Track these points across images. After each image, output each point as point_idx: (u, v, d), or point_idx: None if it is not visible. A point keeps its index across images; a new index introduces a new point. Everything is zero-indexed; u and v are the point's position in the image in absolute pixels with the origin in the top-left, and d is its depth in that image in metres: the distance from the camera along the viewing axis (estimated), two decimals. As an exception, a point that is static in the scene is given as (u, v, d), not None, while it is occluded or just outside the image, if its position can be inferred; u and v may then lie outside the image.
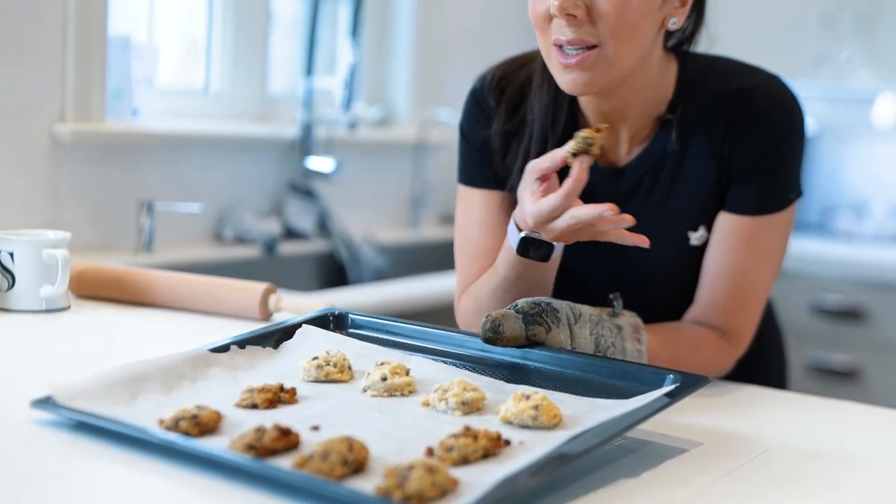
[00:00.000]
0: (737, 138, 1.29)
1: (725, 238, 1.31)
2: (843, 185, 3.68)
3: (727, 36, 3.61)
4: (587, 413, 1.00)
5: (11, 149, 2.17)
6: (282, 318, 1.54)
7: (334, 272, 2.85)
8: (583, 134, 1.17)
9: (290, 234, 2.76)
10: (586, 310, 1.20)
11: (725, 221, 1.31)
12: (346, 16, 2.92)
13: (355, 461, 0.86)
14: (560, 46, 1.21)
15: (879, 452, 1.09)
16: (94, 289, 1.63)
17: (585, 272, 1.39)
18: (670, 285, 1.37)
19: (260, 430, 0.91)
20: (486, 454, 0.90)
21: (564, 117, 1.32)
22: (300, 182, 2.80)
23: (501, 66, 1.41)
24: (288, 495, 0.84)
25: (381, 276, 2.87)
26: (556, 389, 1.08)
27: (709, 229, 1.33)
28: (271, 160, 2.77)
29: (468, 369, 1.14)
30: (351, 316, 1.28)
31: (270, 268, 2.63)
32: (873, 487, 0.98)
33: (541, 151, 1.32)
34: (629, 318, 1.24)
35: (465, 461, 0.88)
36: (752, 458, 1.02)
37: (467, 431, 0.91)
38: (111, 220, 2.37)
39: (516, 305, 1.15)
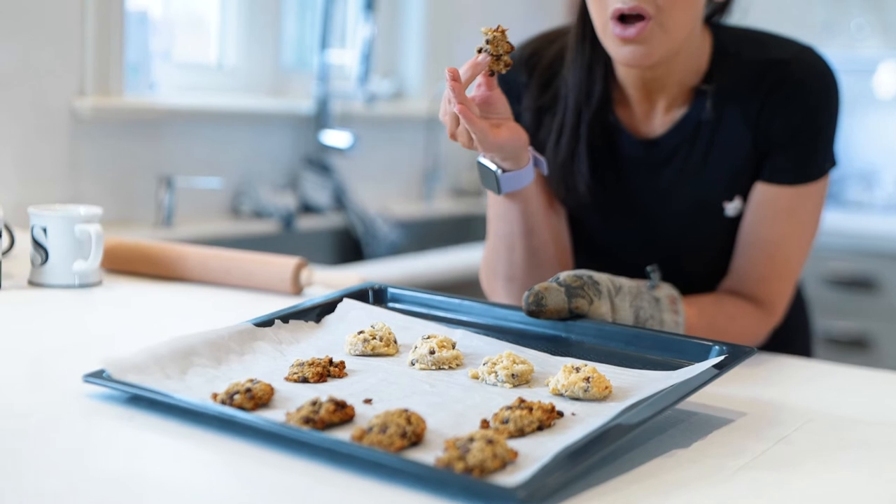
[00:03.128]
0: (774, 108, 1.29)
1: (762, 208, 1.32)
2: (853, 155, 3.69)
3: (735, 7, 3.61)
4: (637, 385, 1.01)
5: (31, 123, 2.17)
6: (314, 292, 1.54)
7: (350, 246, 2.85)
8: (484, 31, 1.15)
9: (306, 208, 2.77)
10: (625, 282, 1.21)
11: (762, 191, 1.32)
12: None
13: (413, 433, 0.87)
14: (619, 19, 1.21)
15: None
16: (124, 263, 1.64)
17: (622, 244, 1.40)
18: (706, 255, 1.38)
19: (316, 404, 0.91)
20: (541, 426, 0.91)
21: (599, 89, 1.33)
22: (315, 156, 2.81)
23: (530, 43, 1.41)
24: (349, 467, 0.84)
25: (396, 250, 2.88)
26: (601, 362, 1.09)
27: (744, 200, 1.34)
28: (287, 135, 2.77)
29: (512, 342, 1.15)
30: (390, 290, 1.28)
31: (288, 242, 2.64)
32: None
33: (575, 125, 1.32)
34: (666, 290, 1.25)
35: (521, 433, 0.89)
36: (799, 427, 1.03)
37: (522, 403, 0.92)
38: (131, 194, 2.38)
39: (558, 278, 1.16)
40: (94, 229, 1.50)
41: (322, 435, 0.86)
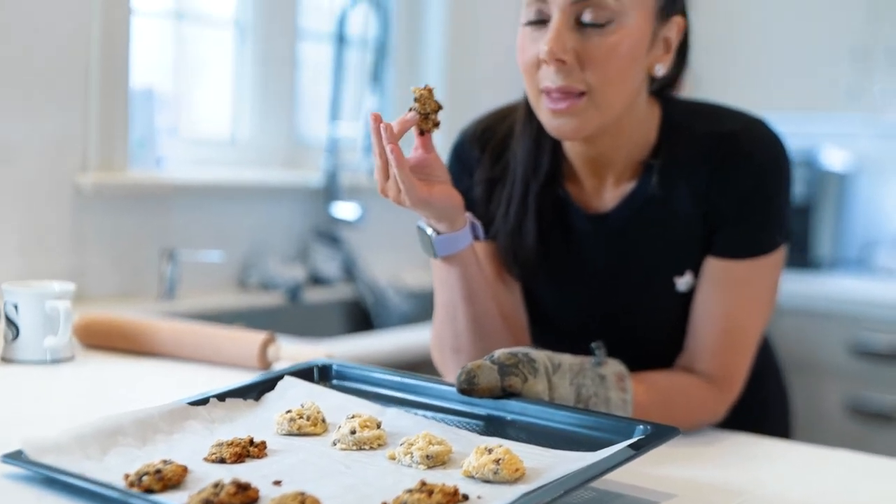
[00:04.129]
0: (722, 181, 1.28)
1: (712, 282, 1.30)
2: (883, 220, 3.63)
3: (758, 70, 3.57)
4: (552, 466, 0.99)
5: (35, 197, 2.22)
6: (281, 367, 1.55)
7: (360, 318, 2.86)
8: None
9: (316, 280, 2.78)
10: (566, 359, 1.19)
11: (712, 266, 1.31)
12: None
13: (307, 516, 0.86)
14: (548, 92, 1.22)
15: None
16: (101, 339, 1.66)
17: (574, 317, 1.39)
18: (660, 331, 1.37)
19: (218, 486, 0.91)
20: (441, 509, 0.90)
21: (547, 162, 1.33)
22: (325, 228, 2.83)
23: (483, 119, 1.42)
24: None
25: (407, 320, 2.88)
26: (530, 441, 1.07)
27: (696, 274, 1.32)
28: (297, 207, 2.80)
29: (446, 422, 1.14)
30: (335, 367, 1.28)
31: (295, 314, 2.65)
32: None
33: (523, 197, 1.33)
34: (613, 367, 1.23)
35: (418, 516, 0.88)
36: (723, 512, 1.00)
37: (423, 486, 0.91)
38: (134, 267, 2.41)
39: (492, 356, 1.15)
40: (63, 306, 1.52)
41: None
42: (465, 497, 0.92)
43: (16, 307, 1.53)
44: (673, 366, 1.34)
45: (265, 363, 1.54)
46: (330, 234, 2.83)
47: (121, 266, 2.38)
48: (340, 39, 2.83)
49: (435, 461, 1.01)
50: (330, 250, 2.81)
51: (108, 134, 2.31)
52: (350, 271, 2.85)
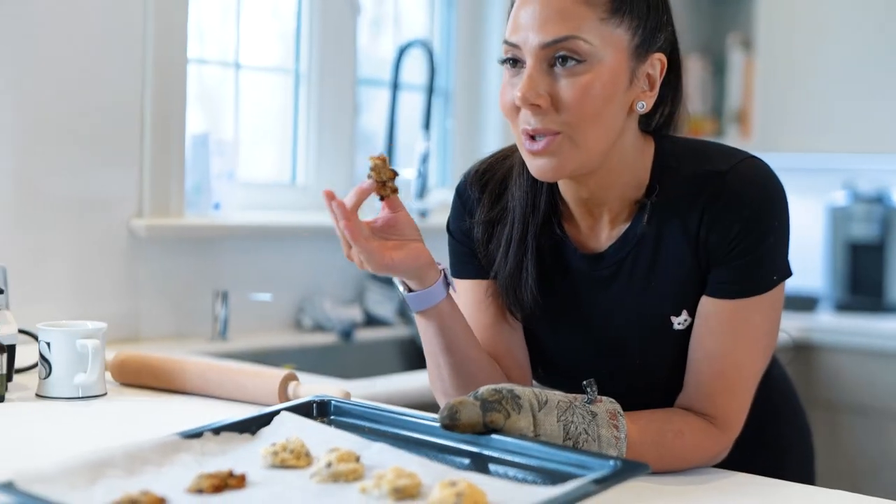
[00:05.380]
0: (712, 221, 1.28)
1: (707, 322, 1.30)
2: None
3: (827, 111, 3.50)
4: (515, 499, 1.00)
5: (90, 242, 2.30)
6: (300, 404, 1.58)
7: (415, 356, 2.88)
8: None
9: (371, 321, 2.82)
10: (554, 396, 1.20)
11: (707, 305, 1.30)
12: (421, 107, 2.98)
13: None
14: (527, 134, 1.24)
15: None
16: (133, 377, 1.71)
17: (574, 356, 1.40)
18: (658, 371, 1.36)
19: (185, 515, 0.94)
20: (397, 541, 0.91)
21: (544, 202, 1.35)
22: (381, 269, 2.87)
23: (485, 160, 1.45)
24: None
25: (463, 360, 2.89)
26: (511, 477, 1.08)
27: (692, 313, 1.32)
28: (352, 248, 2.85)
29: (429, 457, 1.15)
30: (334, 403, 1.31)
31: (349, 354, 2.69)
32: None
33: (522, 237, 1.34)
34: (606, 405, 1.23)
35: (372, 548, 0.90)
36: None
37: (379, 518, 0.93)
38: (188, 309, 2.48)
39: (477, 392, 1.17)
40: (93, 343, 1.58)
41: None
42: (424, 529, 0.94)
43: (48, 345, 1.59)
44: (672, 405, 1.34)
45: (285, 400, 1.57)
46: (385, 275, 2.86)
47: (175, 308, 2.46)
48: (395, 85, 2.88)
49: (403, 494, 1.03)
50: (385, 291, 2.85)
51: (163, 180, 2.40)
52: (405, 313, 2.88)
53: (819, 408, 3.11)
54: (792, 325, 3.20)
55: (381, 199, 1.26)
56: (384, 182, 1.23)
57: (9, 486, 1.05)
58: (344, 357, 2.66)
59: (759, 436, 1.41)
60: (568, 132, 1.22)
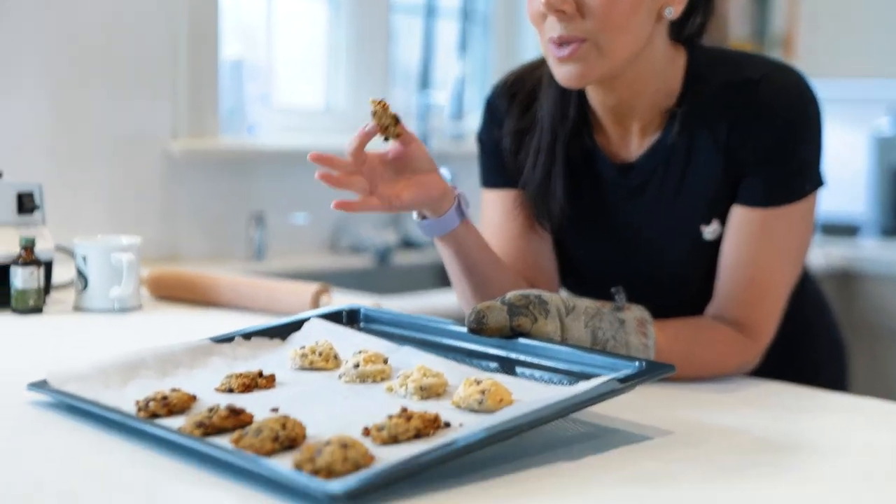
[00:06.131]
0: (743, 130, 1.26)
1: (738, 231, 1.29)
2: None
3: (873, 36, 3.42)
4: (539, 398, 1.00)
5: (127, 167, 2.32)
6: (332, 317, 1.59)
7: (447, 281, 2.89)
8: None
9: (407, 244, 2.83)
10: (582, 302, 1.20)
11: (737, 214, 1.29)
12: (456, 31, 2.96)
13: (287, 438, 0.90)
14: (553, 42, 1.23)
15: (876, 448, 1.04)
16: (168, 291, 1.74)
17: (604, 268, 1.39)
18: (688, 281, 1.36)
19: (213, 410, 0.96)
20: (419, 434, 0.92)
21: (573, 112, 1.33)
22: (417, 193, 2.87)
23: (514, 71, 1.43)
24: (223, 471, 0.88)
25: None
26: (537, 378, 1.09)
27: (723, 223, 1.31)
28: (388, 173, 2.85)
29: (456, 360, 1.16)
30: (363, 311, 1.32)
31: (385, 277, 2.70)
32: (844, 479, 0.94)
33: (551, 147, 1.33)
34: (635, 312, 1.23)
35: (394, 440, 0.91)
36: (716, 447, 1.00)
37: (403, 413, 0.93)
38: (224, 232, 2.50)
39: (504, 297, 1.17)
40: (127, 258, 1.60)
41: (186, 437, 0.91)
42: (447, 424, 0.95)
43: (85, 259, 1.61)
44: (703, 314, 1.33)
45: (317, 313, 1.59)
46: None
47: (211, 231, 2.48)
48: (429, 11, 2.86)
49: (429, 392, 1.03)
50: (421, 215, 2.85)
51: (197, 104, 2.41)
52: (441, 236, 2.89)
53: (861, 335, 3.09)
54: (835, 253, 3.18)
55: (385, 139, 1.24)
56: (386, 126, 1.23)
57: (42, 385, 1.07)
58: (380, 279, 2.67)
59: (791, 348, 1.40)
60: (594, 39, 1.20)
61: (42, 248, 1.63)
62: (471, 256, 1.30)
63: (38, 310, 1.58)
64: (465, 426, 0.94)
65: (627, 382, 0.99)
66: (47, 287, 1.65)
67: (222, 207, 2.49)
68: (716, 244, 1.32)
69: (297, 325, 1.27)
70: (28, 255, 1.57)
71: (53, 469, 0.90)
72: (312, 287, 1.61)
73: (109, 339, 1.47)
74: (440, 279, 2.86)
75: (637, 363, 1.04)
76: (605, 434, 1.02)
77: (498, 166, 1.41)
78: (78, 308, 1.63)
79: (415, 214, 1.28)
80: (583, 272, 1.43)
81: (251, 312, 1.64)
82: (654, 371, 1.02)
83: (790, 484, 0.92)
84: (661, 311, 1.28)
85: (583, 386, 0.97)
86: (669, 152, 1.31)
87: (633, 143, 1.34)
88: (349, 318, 1.32)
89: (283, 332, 1.25)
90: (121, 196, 2.32)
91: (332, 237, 2.73)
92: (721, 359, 1.28)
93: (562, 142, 1.33)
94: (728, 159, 1.28)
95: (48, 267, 1.64)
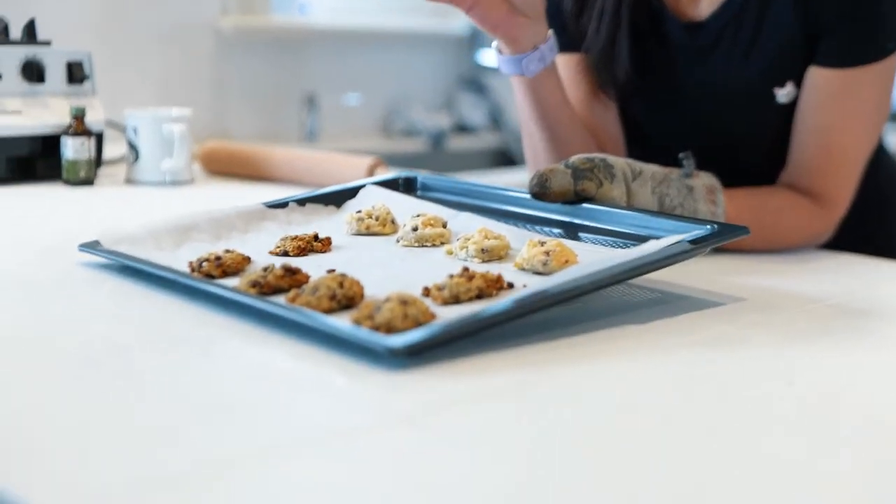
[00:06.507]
0: None
1: (814, 94, 1.22)
2: None
3: None
4: (606, 259, 0.96)
5: (177, 44, 2.28)
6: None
7: (506, 164, 2.84)
8: None
9: (461, 128, 2.77)
10: (650, 168, 1.15)
11: (814, 76, 1.22)
12: None
13: (344, 296, 0.87)
14: None
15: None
16: (222, 165, 1.71)
17: (671, 135, 1.33)
18: (759, 149, 1.29)
19: (268, 269, 0.93)
20: (481, 295, 0.88)
21: None
22: (471, 76, 2.80)
23: None
24: (279, 328, 0.85)
25: (554, 170, 2.84)
26: (602, 242, 1.05)
27: (798, 86, 1.24)
28: (442, 54, 2.78)
29: (517, 225, 1.12)
30: (420, 179, 1.28)
31: (438, 161, 2.66)
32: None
33: (616, 9, 1.27)
34: (704, 179, 1.18)
35: (455, 300, 0.87)
36: (791, 314, 0.95)
37: (464, 272, 0.90)
38: (275, 112, 2.46)
39: (568, 161, 1.12)
40: (179, 129, 1.57)
41: (242, 294, 0.88)
42: (511, 285, 0.91)
43: (135, 131, 1.58)
44: (776, 183, 1.27)
45: (372, 186, 1.55)
46: (476, 81, 2.80)
47: (262, 110, 2.44)
48: None
49: (490, 255, 0.99)
50: (476, 98, 2.79)
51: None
52: (496, 119, 2.83)
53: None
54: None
55: None
56: None
57: (94, 245, 1.05)
58: (433, 163, 2.62)
59: (865, 221, 1.34)
60: None
61: (93, 119, 1.60)
62: (544, 104, 1.24)
63: (89, 182, 1.56)
64: (528, 287, 0.91)
65: (700, 243, 0.94)
66: (98, 160, 1.62)
67: (274, 88, 2.45)
68: (790, 108, 1.25)
69: (352, 193, 1.23)
70: (79, 126, 1.54)
71: (105, 326, 0.87)
72: (367, 160, 1.57)
73: (160, 210, 1.44)
74: (494, 163, 2.81)
75: (708, 226, 0.99)
76: (673, 300, 0.98)
77: (559, 29, 1.34)
78: (129, 181, 1.60)
79: (494, 50, 1.23)
80: (649, 141, 1.37)
81: (305, 186, 1.60)
82: (727, 233, 0.97)
83: (868, 350, 0.87)
84: (731, 180, 1.22)
85: (652, 246, 0.92)
86: (741, 8, 1.24)
87: (703, 1, 1.27)
88: (406, 185, 1.27)
89: (338, 198, 1.22)
90: (170, 74, 2.28)
91: (385, 120, 2.68)
92: (792, 229, 1.22)
93: (626, 3, 1.27)
94: (805, 15, 1.21)
95: (99, 139, 1.62)
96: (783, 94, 1.25)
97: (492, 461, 0.61)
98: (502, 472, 0.59)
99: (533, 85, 1.23)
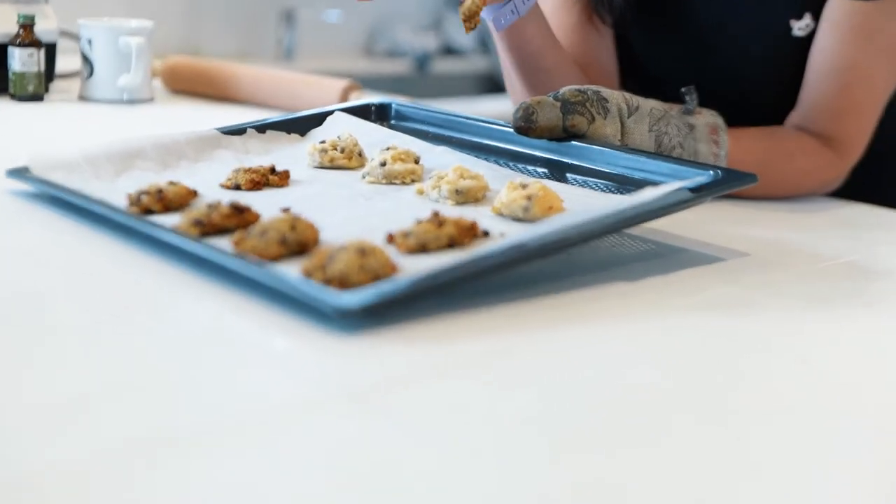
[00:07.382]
0: None
1: (835, 28, 1.10)
2: None
3: None
4: (594, 207, 0.85)
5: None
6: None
7: (494, 89, 2.72)
8: None
9: (448, 50, 2.64)
10: (647, 103, 1.03)
11: (834, 8, 1.10)
12: None
13: (296, 241, 0.76)
14: None
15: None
16: (184, 83, 1.58)
17: (666, 71, 1.21)
18: (770, 86, 1.18)
19: (212, 206, 0.82)
20: (452, 243, 0.78)
21: None
22: (460, -5, 2.67)
23: None
24: (222, 277, 0.74)
25: (544, 97, 2.72)
26: (592, 186, 0.94)
27: (816, 18, 1.12)
28: (430, -29, 2.64)
29: (499, 164, 1.01)
30: (395, 106, 1.16)
31: (423, 83, 2.53)
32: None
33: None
34: (707, 117, 1.06)
35: (423, 249, 0.77)
36: (799, 272, 0.85)
37: (434, 217, 0.79)
38: (251, 29, 2.33)
39: (558, 92, 1.00)
40: (137, 42, 1.44)
41: (180, 237, 0.77)
42: (486, 233, 0.80)
43: (90, 43, 1.46)
44: (784, 123, 1.16)
45: (345, 112, 1.43)
46: (464, 2, 2.67)
47: (237, 25, 2.30)
48: None
49: (465, 197, 0.89)
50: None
51: None
52: (485, 42, 2.70)
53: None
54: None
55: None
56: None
57: (23, 172, 0.93)
58: (418, 86, 2.50)
59: (880, 169, 1.23)
60: None
61: (43, 28, 1.47)
62: (523, 54, 1.13)
63: (38, 97, 1.43)
64: (506, 236, 0.80)
65: (701, 192, 0.83)
66: (50, 73, 1.49)
67: (250, 1, 2.31)
68: (806, 42, 1.13)
69: (318, 120, 1.11)
70: (27, 35, 1.41)
71: (22, 270, 0.76)
72: (341, 83, 1.45)
73: (114, 131, 1.32)
74: (482, 89, 2.69)
75: (711, 171, 0.88)
76: (669, 253, 0.88)
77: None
78: (83, 97, 1.48)
79: None
80: (647, 74, 1.25)
81: (272, 109, 1.49)
82: (733, 181, 0.86)
83: (884, 315, 0.78)
84: (735, 119, 1.11)
85: (648, 194, 0.81)
86: None
87: (716, -78, 1.14)
88: (378, 113, 1.16)
89: (302, 126, 1.10)
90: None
91: (368, 40, 2.55)
92: (803, 175, 1.12)
93: None
94: None
95: (50, 50, 1.49)
96: (800, 26, 1.13)
97: (456, 452, 0.51)
98: (470, 465, 0.49)
99: (508, 33, 1.11)
